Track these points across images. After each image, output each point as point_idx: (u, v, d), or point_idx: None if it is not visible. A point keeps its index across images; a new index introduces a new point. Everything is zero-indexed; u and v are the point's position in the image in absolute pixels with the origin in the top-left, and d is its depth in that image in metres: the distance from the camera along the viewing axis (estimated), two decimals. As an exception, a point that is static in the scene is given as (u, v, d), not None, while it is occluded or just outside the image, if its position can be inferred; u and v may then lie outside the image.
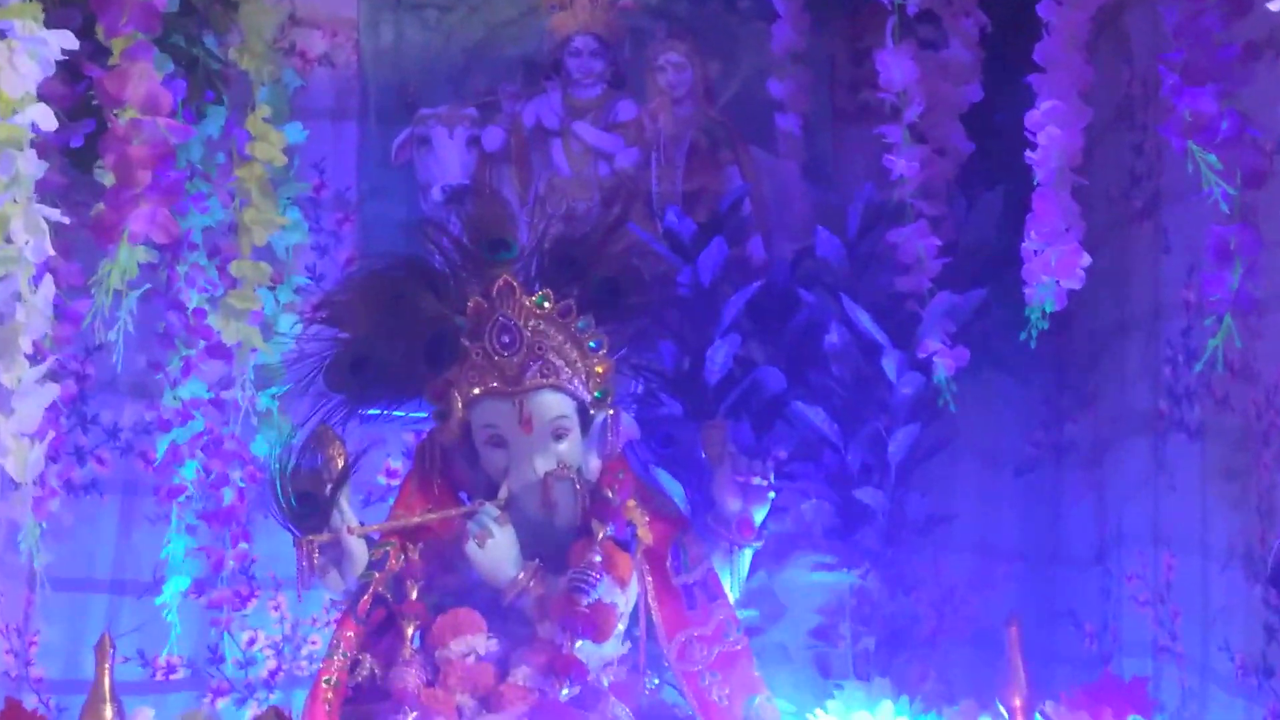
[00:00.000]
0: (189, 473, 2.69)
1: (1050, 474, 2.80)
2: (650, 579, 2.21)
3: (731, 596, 2.26)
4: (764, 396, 2.57)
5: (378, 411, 2.30)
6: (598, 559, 2.13)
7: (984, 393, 2.67)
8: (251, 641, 2.82)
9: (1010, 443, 2.83)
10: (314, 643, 2.82)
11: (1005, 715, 2.17)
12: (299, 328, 2.39)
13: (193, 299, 2.67)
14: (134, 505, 2.80)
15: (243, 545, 2.69)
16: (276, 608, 2.84)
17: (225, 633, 2.77)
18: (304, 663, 2.83)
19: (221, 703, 2.80)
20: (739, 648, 2.21)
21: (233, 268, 2.59)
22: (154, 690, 2.74)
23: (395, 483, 2.75)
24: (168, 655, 2.77)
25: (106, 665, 2.14)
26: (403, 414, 2.34)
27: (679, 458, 2.53)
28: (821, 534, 2.56)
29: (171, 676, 2.79)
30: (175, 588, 2.72)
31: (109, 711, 2.12)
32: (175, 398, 2.69)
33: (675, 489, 2.50)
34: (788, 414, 2.56)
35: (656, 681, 2.24)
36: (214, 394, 2.69)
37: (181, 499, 2.69)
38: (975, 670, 2.56)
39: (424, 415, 2.33)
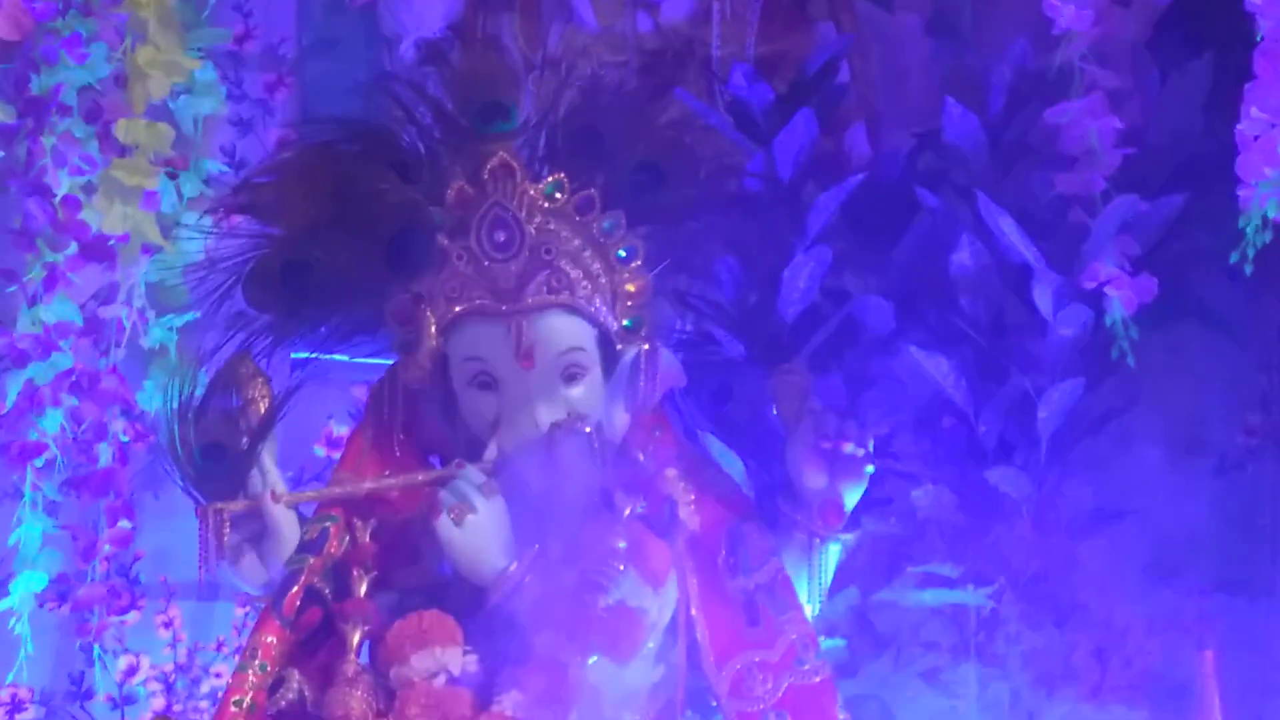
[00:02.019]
0: (51, 426, 2.73)
1: (1270, 472, 2.81)
2: (695, 580, 2.23)
3: (809, 610, 2.27)
4: (863, 339, 2.59)
5: (311, 354, 2.32)
6: (621, 545, 2.15)
7: (1176, 348, 2.68)
8: (131, 670, 2.86)
9: (1213, 423, 2.84)
10: (219, 675, 2.85)
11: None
12: (208, 222, 2.41)
13: (63, 183, 2.71)
14: (-29, 472, 2.84)
15: (124, 524, 2.73)
16: (168, 624, 2.88)
17: (95, 647, 2.80)
18: (203, 703, 2.86)
19: (87, 757, 2.86)
20: (817, 679, 2.22)
21: (120, 129, 2.63)
22: (-7, 735, 2.80)
23: (339, 456, 2.78)
24: (14, 684, 2.81)
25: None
26: (350, 356, 2.37)
27: (740, 418, 2.55)
28: (939, 535, 2.57)
29: (18, 716, 2.83)
30: (27, 587, 2.76)
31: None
32: (35, 321, 2.73)
33: (733, 462, 2.52)
34: (896, 365, 2.57)
35: (700, 725, 2.27)
36: (89, 314, 2.73)
37: (39, 462, 2.73)
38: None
39: (380, 357, 2.36)
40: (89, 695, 2.86)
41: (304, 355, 2.38)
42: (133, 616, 2.84)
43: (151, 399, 2.80)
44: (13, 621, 2.77)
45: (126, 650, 2.86)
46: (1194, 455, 2.83)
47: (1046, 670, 2.58)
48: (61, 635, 2.84)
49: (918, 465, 2.58)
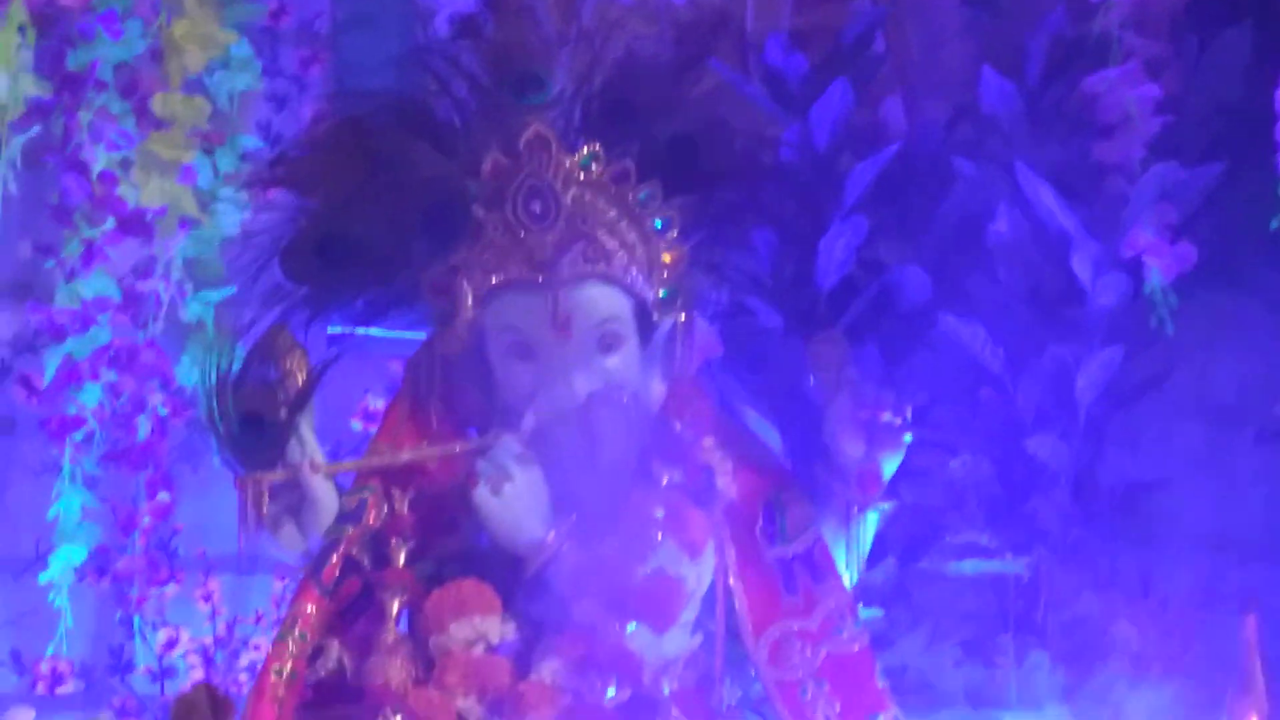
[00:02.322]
0: (90, 400, 2.75)
1: (1309, 440, 2.80)
2: (733, 549, 2.23)
3: (847, 579, 2.27)
4: (899, 309, 2.60)
5: (347, 328, 2.33)
6: (659, 514, 2.16)
7: (1215, 316, 2.67)
8: (171, 643, 2.88)
9: (1252, 391, 2.82)
10: (258, 648, 2.87)
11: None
12: (245, 196, 2.42)
13: (99, 158, 2.73)
14: (11, 448, 2.86)
15: (163, 497, 2.75)
16: (206, 598, 2.90)
17: (135, 620, 2.83)
18: (243, 676, 2.88)
19: (126, 730, 2.88)
20: (855, 648, 2.22)
21: (156, 103, 2.64)
22: (32, 707, 2.80)
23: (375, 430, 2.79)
24: (54, 657, 2.84)
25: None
26: (386, 330, 2.37)
27: (777, 388, 2.55)
28: (977, 505, 2.57)
29: (58, 689, 2.85)
30: (67, 561, 2.78)
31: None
32: (73, 295, 2.76)
33: (770, 432, 2.53)
34: (933, 334, 2.58)
35: (739, 694, 2.27)
36: (127, 287, 2.74)
37: (78, 436, 2.76)
38: (1194, 709, 2.56)
39: (416, 331, 2.36)
40: (129, 668, 2.88)
41: (340, 330, 2.39)
42: (172, 589, 2.86)
43: (189, 373, 2.81)
44: (53, 595, 2.79)
45: (166, 623, 2.88)
46: (1233, 423, 2.83)
47: (1086, 640, 2.57)
48: (101, 608, 2.87)
49: (955, 435, 2.58)
